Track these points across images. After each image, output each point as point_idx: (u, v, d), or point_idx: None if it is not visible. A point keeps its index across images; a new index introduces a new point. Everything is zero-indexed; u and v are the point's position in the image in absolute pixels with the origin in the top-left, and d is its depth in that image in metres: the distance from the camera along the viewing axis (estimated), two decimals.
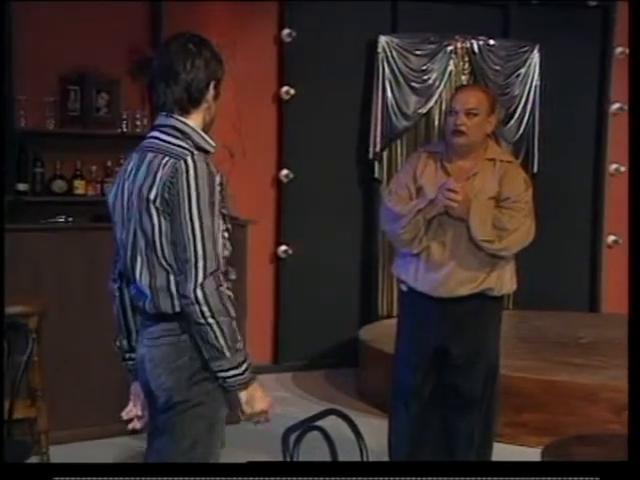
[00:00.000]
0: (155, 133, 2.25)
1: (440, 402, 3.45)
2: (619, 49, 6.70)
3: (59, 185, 5.18)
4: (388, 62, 6.09)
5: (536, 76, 6.42)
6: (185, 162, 2.10)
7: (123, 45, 5.44)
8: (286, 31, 5.90)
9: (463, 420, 3.39)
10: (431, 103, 6.17)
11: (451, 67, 6.24)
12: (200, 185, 2.09)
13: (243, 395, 2.18)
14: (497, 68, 6.35)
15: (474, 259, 3.30)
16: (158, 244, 2.16)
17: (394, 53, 6.10)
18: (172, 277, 2.16)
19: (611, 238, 6.90)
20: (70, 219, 4.58)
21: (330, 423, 2.26)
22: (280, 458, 2.17)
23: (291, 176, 6.01)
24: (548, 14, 6.52)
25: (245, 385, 2.17)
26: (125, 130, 5.40)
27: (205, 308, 2.07)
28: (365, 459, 2.16)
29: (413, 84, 6.15)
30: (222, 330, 2.09)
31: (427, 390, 3.44)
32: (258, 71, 5.92)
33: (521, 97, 6.42)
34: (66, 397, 4.24)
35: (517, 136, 6.43)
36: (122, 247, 2.28)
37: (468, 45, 6.28)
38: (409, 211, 3.32)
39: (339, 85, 6.05)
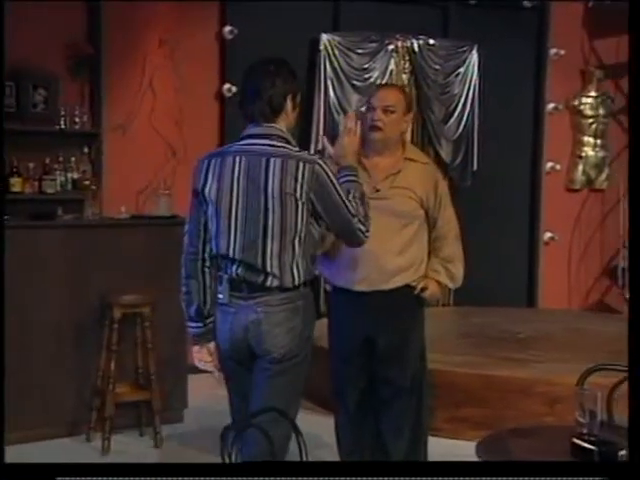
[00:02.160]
0: (264, 141, 2.71)
1: (373, 396, 3.47)
2: (553, 50, 6.85)
3: None
4: (330, 60, 6.12)
5: (475, 75, 6.53)
6: (320, 165, 2.70)
7: (61, 41, 5.36)
8: (227, 28, 5.88)
9: (392, 412, 3.41)
10: None
11: (392, 66, 6.30)
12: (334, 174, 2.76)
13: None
14: (437, 67, 6.43)
15: (394, 255, 3.35)
16: (300, 231, 2.68)
17: (336, 51, 6.13)
18: (299, 259, 2.69)
19: (547, 235, 7.05)
20: (6, 217, 4.48)
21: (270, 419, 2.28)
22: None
23: None
24: (486, 14, 6.62)
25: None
26: (63, 127, 5.32)
27: (368, 234, 2.79)
28: (304, 456, 2.18)
29: (355, 82, 6.20)
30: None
31: (361, 384, 3.47)
32: (200, 68, 5.88)
33: (461, 96, 6.52)
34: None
35: (457, 134, 6.53)
36: (235, 233, 2.69)
37: (409, 44, 6.36)
38: None
39: None
